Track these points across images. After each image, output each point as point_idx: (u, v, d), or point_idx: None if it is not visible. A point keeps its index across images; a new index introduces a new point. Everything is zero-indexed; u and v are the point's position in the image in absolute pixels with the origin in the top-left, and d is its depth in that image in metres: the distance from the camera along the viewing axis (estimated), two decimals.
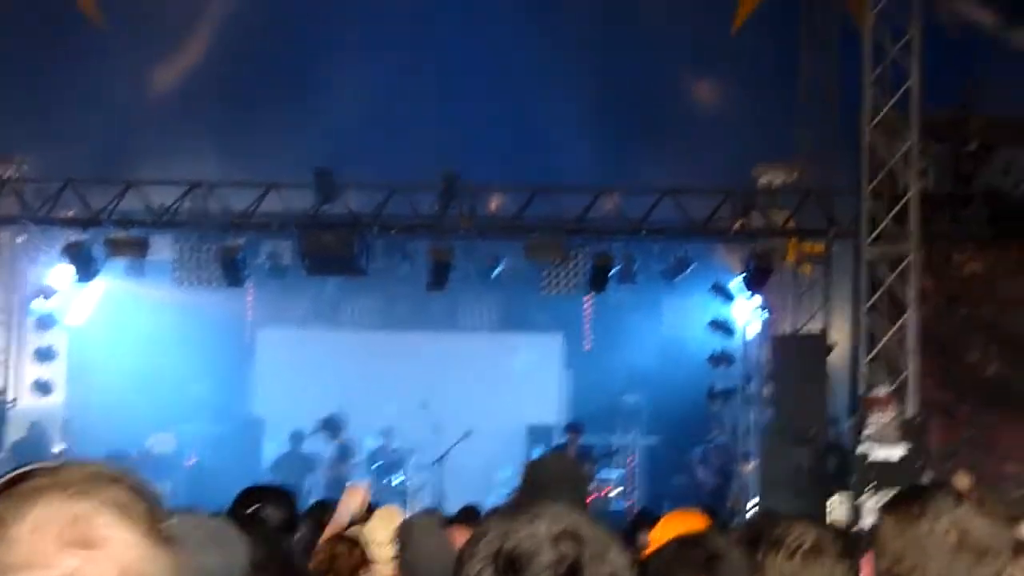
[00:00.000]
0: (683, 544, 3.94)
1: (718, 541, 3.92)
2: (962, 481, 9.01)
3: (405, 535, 6.89)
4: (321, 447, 26.23)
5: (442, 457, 25.08)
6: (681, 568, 3.82)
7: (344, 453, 25.68)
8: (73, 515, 1.80)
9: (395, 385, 27.68)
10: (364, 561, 7.14)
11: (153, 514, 1.93)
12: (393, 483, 25.43)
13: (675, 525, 6.84)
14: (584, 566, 2.56)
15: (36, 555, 1.76)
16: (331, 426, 25.74)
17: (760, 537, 4.89)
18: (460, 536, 7.13)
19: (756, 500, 22.38)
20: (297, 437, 26.04)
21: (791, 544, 4.75)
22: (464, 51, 25.60)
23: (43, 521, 1.79)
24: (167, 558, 1.87)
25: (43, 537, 1.77)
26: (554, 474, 6.75)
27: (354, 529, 7.83)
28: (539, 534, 2.60)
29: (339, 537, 7.40)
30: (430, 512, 16.36)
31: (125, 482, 1.92)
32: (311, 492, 23.73)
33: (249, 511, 6.46)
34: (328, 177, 22.48)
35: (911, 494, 3.74)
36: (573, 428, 24.63)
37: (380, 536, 7.36)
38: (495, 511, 12.89)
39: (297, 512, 7.19)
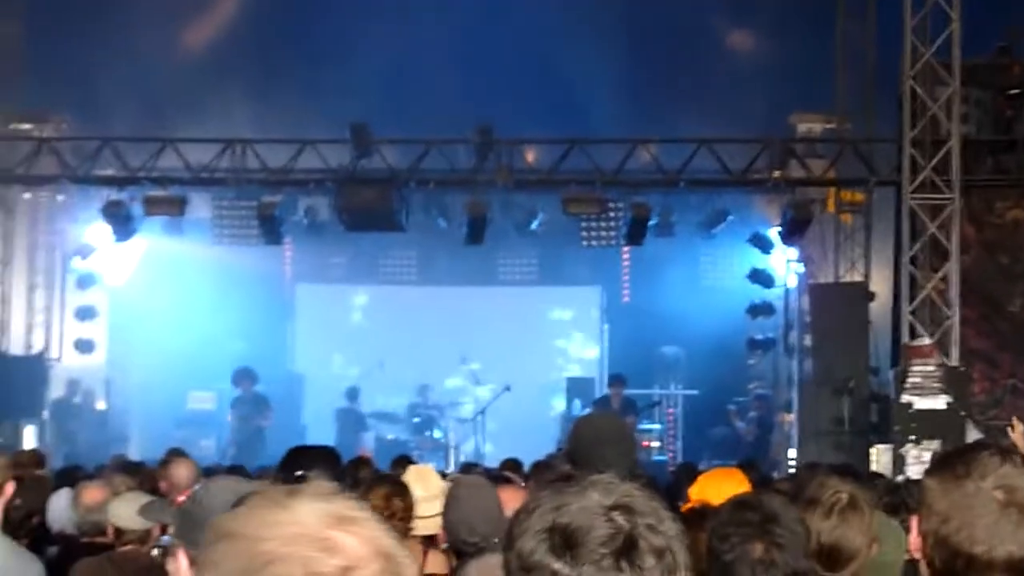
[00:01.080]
0: (739, 506, 3.93)
1: (774, 502, 3.91)
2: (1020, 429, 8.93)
3: (453, 492, 6.89)
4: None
5: (482, 411, 25.12)
6: (737, 530, 3.81)
7: (259, 404, 25.50)
8: (330, 504, 2.05)
9: (434, 340, 27.72)
10: (411, 513, 7.12)
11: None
12: (434, 437, 25.47)
13: (714, 483, 6.85)
14: (639, 538, 2.55)
15: (308, 527, 1.99)
16: (242, 377, 25.43)
17: (798, 495, 4.90)
18: (503, 495, 7.14)
19: (796, 451, 22.33)
20: (352, 393, 26.12)
21: (827, 502, 4.75)
22: (498, 3, 25.49)
23: (310, 506, 2.03)
24: (406, 546, 2.09)
25: (311, 517, 2.01)
26: (603, 433, 6.72)
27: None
28: (592, 507, 2.58)
29: (394, 486, 7.30)
30: (470, 467, 16.42)
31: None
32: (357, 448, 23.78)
33: (297, 474, 6.47)
34: (364, 131, 22.43)
35: (955, 454, 3.72)
36: (616, 381, 24.55)
37: (415, 493, 7.35)
38: (538, 467, 12.90)
39: (343, 472, 7.17)
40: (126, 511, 7.30)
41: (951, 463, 3.62)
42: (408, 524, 7.08)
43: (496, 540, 6.37)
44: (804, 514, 4.51)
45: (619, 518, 2.57)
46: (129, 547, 7.66)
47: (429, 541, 7.39)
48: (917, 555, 3.63)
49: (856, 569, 4.73)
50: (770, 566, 3.74)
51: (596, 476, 2.65)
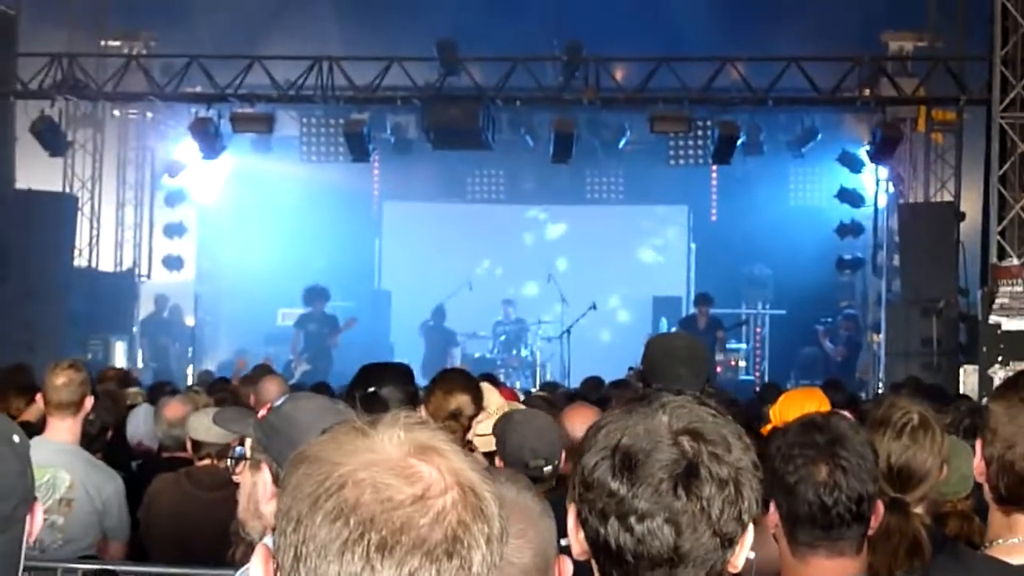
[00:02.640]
0: (805, 427, 3.88)
1: (841, 424, 3.85)
2: None
3: (506, 420, 6.71)
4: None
5: (568, 329, 25.10)
6: (802, 451, 3.77)
7: (327, 323, 25.27)
8: (412, 433, 2.04)
9: (520, 258, 27.72)
10: (477, 413, 6.92)
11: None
12: (520, 355, 25.49)
13: (794, 402, 6.79)
14: (701, 466, 2.52)
15: (388, 454, 1.99)
16: (314, 296, 25.25)
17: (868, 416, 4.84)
18: (577, 415, 7.08)
19: (883, 372, 22.19)
20: (439, 312, 26.16)
21: (898, 422, 4.70)
22: None
23: (392, 434, 2.03)
24: (488, 478, 2.07)
25: (392, 445, 2.01)
26: (676, 351, 6.65)
27: None
28: (659, 430, 2.56)
29: (464, 384, 7.11)
30: (552, 386, 16.42)
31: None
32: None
33: (369, 391, 6.44)
34: (451, 49, 22.40)
35: (1020, 379, 3.64)
36: (703, 300, 24.40)
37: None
38: (615, 386, 12.88)
39: (416, 389, 7.09)
40: (204, 424, 7.35)
41: (1018, 387, 3.54)
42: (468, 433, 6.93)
43: (558, 463, 6.33)
44: (874, 435, 4.47)
45: (685, 443, 2.54)
46: (207, 461, 7.70)
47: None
48: (981, 479, 3.57)
49: (926, 490, 4.69)
50: (834, 489, 3.70)
51: (670, 397, 2.63)
